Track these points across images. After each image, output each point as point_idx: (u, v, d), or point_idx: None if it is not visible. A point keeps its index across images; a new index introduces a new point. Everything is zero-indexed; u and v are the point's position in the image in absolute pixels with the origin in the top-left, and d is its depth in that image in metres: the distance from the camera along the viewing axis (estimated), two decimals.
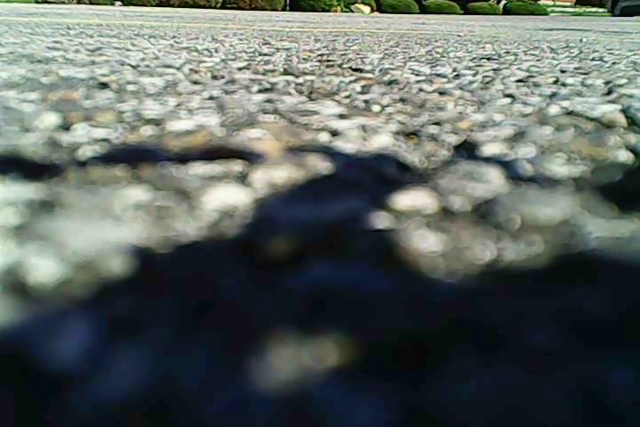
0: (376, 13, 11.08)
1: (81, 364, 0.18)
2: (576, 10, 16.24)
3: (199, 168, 0.39)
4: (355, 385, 0.18)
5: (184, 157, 0.41)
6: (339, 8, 11.29)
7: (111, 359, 0.19)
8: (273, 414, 0.17)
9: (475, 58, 1.35)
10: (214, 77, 0.88)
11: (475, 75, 0.98)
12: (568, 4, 18.22)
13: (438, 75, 0.98)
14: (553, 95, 0.76)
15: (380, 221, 0.31)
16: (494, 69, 1.07)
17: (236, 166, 0.39)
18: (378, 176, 0.38)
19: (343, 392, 0.18)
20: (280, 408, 0.17)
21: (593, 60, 1.37)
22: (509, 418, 0.17)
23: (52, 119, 0.52)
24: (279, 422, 0.16)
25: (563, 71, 1.08)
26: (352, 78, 0.90)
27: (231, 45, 1.59)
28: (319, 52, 1.43)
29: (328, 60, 1.21)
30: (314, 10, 10.57)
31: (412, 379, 0.18)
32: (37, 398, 0.17)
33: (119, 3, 10.18)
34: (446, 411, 0.17)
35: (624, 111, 0.63)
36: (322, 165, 0.40)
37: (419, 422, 0.17)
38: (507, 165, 0.41)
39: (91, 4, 9.29)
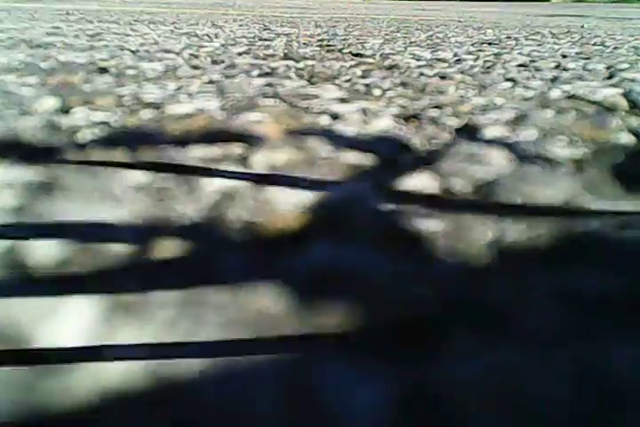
0: None
1: (81, 345, 0.19)
2: None
3: (199, 151, 0.38)
4: (355, 365, 0.18)
5: (184, 140, 0.41)
6: None
7: (112, 340, 0.19)
8: (273, 393, 0.17)
9: (476, 43, 1.34)
10: (214, 62, 0.87)
11: (476, 59, 0.98)
12: None
13: (439, 59, 0.97)
14: (554, 79, 0.75)
15: (381, 202, 0.30)
16: (495, 54, 1.07)
17: (236, 149, 0.39)
18: (379, 158, 0.38)
19: (344, 371, 0.18)
20: (280, 388, 0.17)
21: (594, 44, 1.36)
22: (510, 397, 0.17)
23: (51, 103, 0.52)
24: (279, 402, 0.16)
25: (564, 56, 1.07)
26: (352, 63, 0.90)
27: (231, 31, 1.58)
28: (319, 38, 1.41)
29: (328, 45, 1.20)
30: None
31: (412, 359, 0.18)
32: (38, 380, 0.17)
33: None
34: (447, 390, 0.17)
35: (625, 95, 0.62)
36: (322, 148, 0.40)
37: (419, 401, 0.17)
38: (508, 148, 0.40)
39: None
